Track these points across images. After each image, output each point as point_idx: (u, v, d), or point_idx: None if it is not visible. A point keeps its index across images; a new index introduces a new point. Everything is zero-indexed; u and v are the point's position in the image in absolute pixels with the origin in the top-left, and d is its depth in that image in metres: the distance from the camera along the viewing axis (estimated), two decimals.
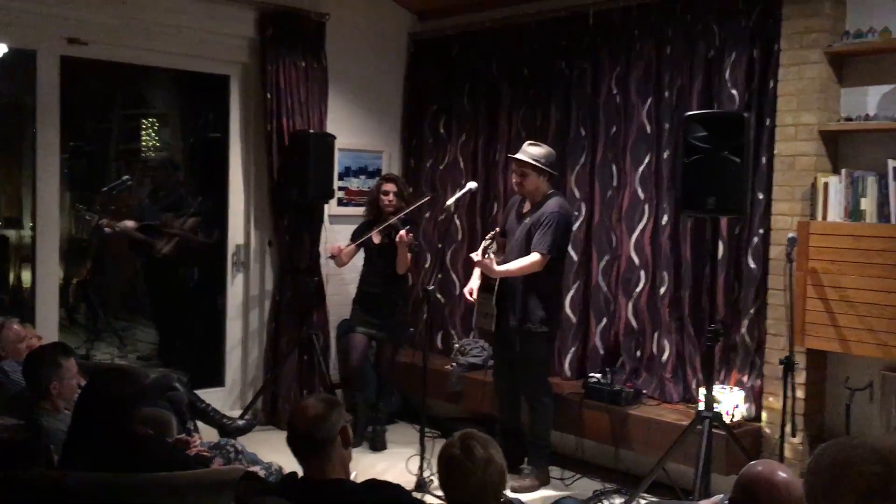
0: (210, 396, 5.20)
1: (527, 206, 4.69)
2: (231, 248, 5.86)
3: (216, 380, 5.91)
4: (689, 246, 4.92)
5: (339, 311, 6.04)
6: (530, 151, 4.64)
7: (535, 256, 4.51)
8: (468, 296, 4.80)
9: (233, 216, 5.84)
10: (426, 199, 5.58)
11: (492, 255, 4.43)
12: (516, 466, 4.72)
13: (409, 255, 5.24)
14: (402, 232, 5.06)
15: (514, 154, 4.74)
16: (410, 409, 5.91)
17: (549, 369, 5.00)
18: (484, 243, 4.50)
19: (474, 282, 4.80)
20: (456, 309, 6.19)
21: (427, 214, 6.35)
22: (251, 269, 5.88)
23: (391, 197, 5.36)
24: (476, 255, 4.44)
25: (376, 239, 5.39)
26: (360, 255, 5.58)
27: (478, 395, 5.38)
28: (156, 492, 2.97)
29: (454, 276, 6.20)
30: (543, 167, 4.64)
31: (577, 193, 5.43)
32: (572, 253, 5.42)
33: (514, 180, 4.65)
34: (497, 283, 4.58)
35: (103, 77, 6.56)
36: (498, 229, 4.86)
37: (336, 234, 6.09)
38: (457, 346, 5.83)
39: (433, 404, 5.67)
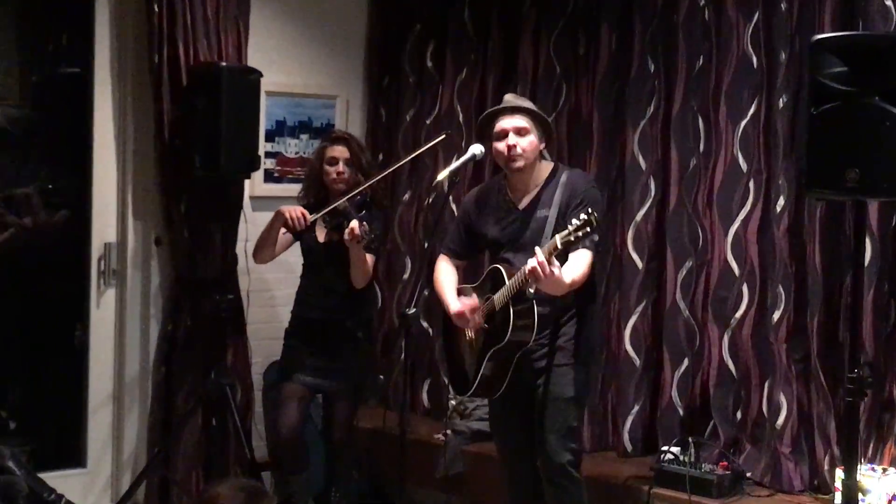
0: (63, 483, 5.17)
1: (517, 195, 4.68)
2: (96, 250, 5.84)
3: (73, 457, 5.87)
4: (819, 246, 4.93)
5: (267, 350, 6.03)
6: (525, 104, 4.70)
7: (587, 255, 4.49)
8: (462, 307, 4.70)
9: (99, 199, 5.82)
10: (441, 138, 5.47)
11: (556, 262, 4.34)
12: None
13: (367, 259, 5.23)
14: (354, 223, 5.04)
15: (498, 105, 4.72)
16: (380, 500, 5.89)
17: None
18: (548, 248, 4.34)
19: (458, 302, 4.75)
20: None
21: (406, 196, 6.35)
22: (128, 281, 5.86)
23: (341, 167, 5.35)
24: (542, 258, 4.27)
25: (320, 235, 5.38)
26: (294, 257, 5.56)
27: (485, 481, 5.38)
28: None
29: None
30: (547, 120, 4.72)
31: (641, 162, 5.44)
32: (635, 257, 5.43)
33: (506, 144, 4.61)
34: (536, 310, 4.53)
35: None
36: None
37: (262, 226, 6.07)
38: (453, 402, 5.82)
39: (417, 494, 5.66)
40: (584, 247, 4.43)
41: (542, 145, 4.68)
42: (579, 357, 4.65)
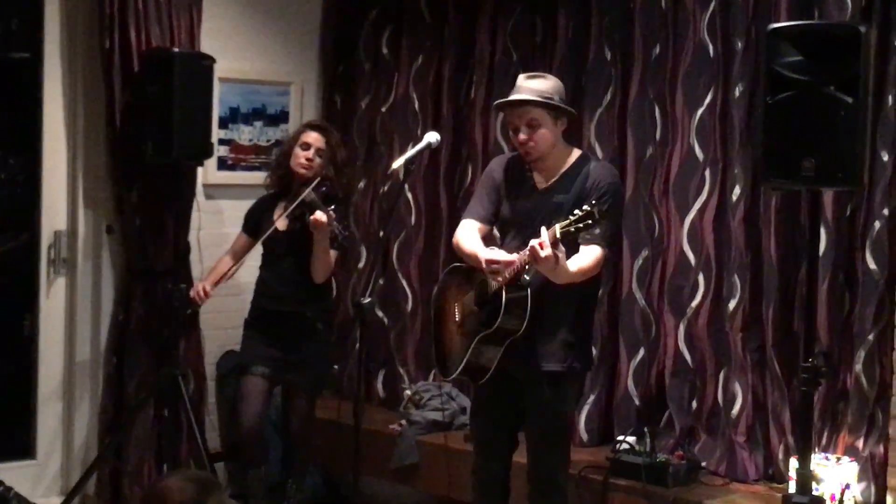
0: (12, 475, 5.14)
1: (539, 177, 4.56)
2: (46, 238, 5.80)
3: (22, 448, 5.84)
4: (774, 235, 4.96)
5: (220, 339, 6.02)
6: (536, 87, 4.48)
7: (597, 252, 4.37)
8: (501, 257, 4.39)
9: (48, 186, 5.78)
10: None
11: (562, 246, 4.23)
12: None
13: (330, 252, 5.21)
14: (319, 213, 5.02)
15: (507, 97, 4.55)
16: (335, 491, 5.90)
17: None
18: (564, 223, 4.13)
19: (497, 251, 4.55)
20: (408, 334, 6.19)
21: (361, 184, 6.34)
22: (79, 270, 5.82)
23: (311, 154, 5.33)
24: (546, 241, 4.13)
25: (281, 225, 5.36)
26: (255, 251, 5.55)
27: (440, 472, 5.38)
28: None
29: (405, 283, 6.20)
30: (563, 106, 4.51)
31: (598, 150, 5.44)
32: None
33: (518, 140, 4.51)
34: (530, 298, 4.42)
35: None
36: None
37: (216, 215, 6.05)
38: (408, 392, 5.83)
39: (372, 486, 5.65)
40: (594, 242, 4.33)
41: (561, 128, 4.50)
42: (577, 364, 4.51)
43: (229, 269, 5.49)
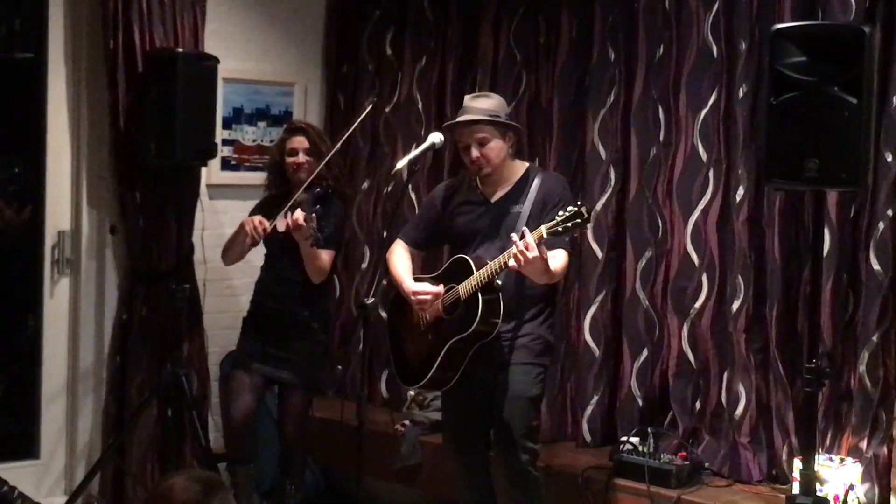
0: (16, 475, 5.12)
1: (489, 190, 4.72)
2: (50, 238, 5.81)
3: (26, 449, 5.85)
4: (778, 236, 4.96)
5: (224, 340, 6.02)
6: (482, 106, 4.67)
7: (564, 255, 4.59)
8: (420, 290, 4.72)
9: (52, 186, 5.79)
10: (367, 110, 5.46)
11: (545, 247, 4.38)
12: None
13: (318, 255, 5.20)
14: (296, 215, 5.03)
15: (454, 119, 4.74)
16: (336, 493, 5.90)
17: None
18: (551, 224, 4.29)
19: (414, 283, 4.77)
20: None
21: (365, 184, 6.34)
22: (82, 271, 5.83)
23: (300, 157, 5.35)
24: (529, 240, 4.25)
25: (280, 226, 5.37)
26: (258, 251, 5.55)
27: (443, 473, 5.36)
28: None
29: None
30: (510, 122, 4.75)
31: (601, 152, 5.46)
32: (595, 247, 5.45)
33: (471, 157, 4.65)
34: (500, 298, 4.55)
35: None
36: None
37: (219, 216, 6.06)
38: (411, 393, 5.83)
39: (374, 487, 5.66)
40: (559, 246, 4.51)
41: (510, 143, 4.71)
42: (541, 355, 4.69)
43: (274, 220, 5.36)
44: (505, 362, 4.64)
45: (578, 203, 4.26)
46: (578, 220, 4.22)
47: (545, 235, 4.27)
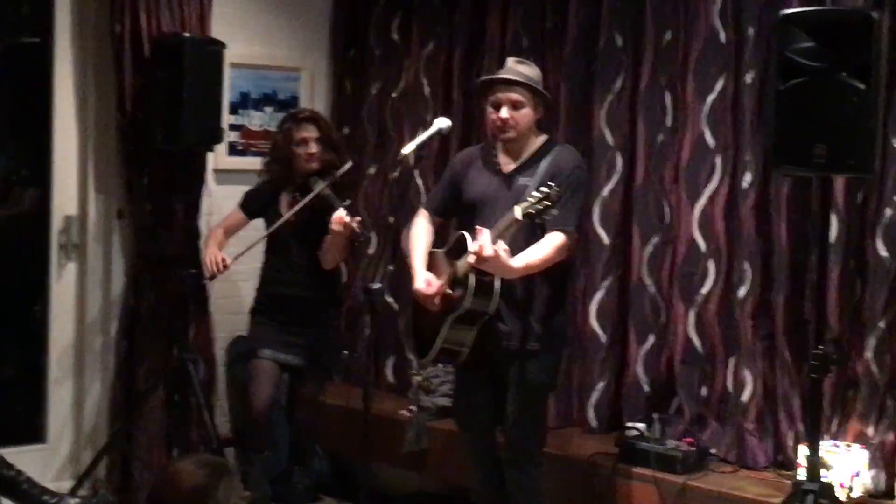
0: (23, 459, 5.14)
1: (505, 160, 4.69)
2: (57, 223, 5.81)
3: (33, 433, 5.87)
4: (786, 222, 4.96)
5: (230, 325, 6.03)
6: (524, 71, 4.65)
7: (559, 238, 4.48)
8: (426, 288, 4.70)
9: (59, 171, 5.80)
10: (347, 166, 5.47)
11: (503, 244, 4.35)
12: None
13: (346, 246, 5.22)
14: (342, 214, 5.03)
15: (495, 74, 4.73)
16: (343, 479, 5.91)
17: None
18: (501, 225, 4.40)
19: (425, 272, 4.74)
20: None
21: (371, 170, 6.34)
22: (89, 256, 5.84)
23: (312, 148, 5.33)
24: (486, 243, 4.31)
25: (286, 213, 5.37)
26: (256, 233, 5.56)
27: (451, 458, 5.39)
28: None
29: None
30: (545, 93, 4.71)
31: (608, 138, 5.45)
32: (601, 233, 5.45)
33: (499, 117, 4.61)
34: (496, 287, 4.53)
35: None
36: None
37: (226, 200, 6.06)
38: (418, 378, 5.83)
39: (381, 472, 5.68)
40: (556, 228, 4.45)
41: (538, 116, 4.68)
42: (551, 342, 4.65)
43: (244, 251, 5.44)
44: (516, 350, 4.59)
45: (550, 184, 4.23)
46: (548, 203, 4.21)
47: (520, 217, 4.25)
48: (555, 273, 4.58)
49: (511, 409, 4.64)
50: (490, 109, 4.64)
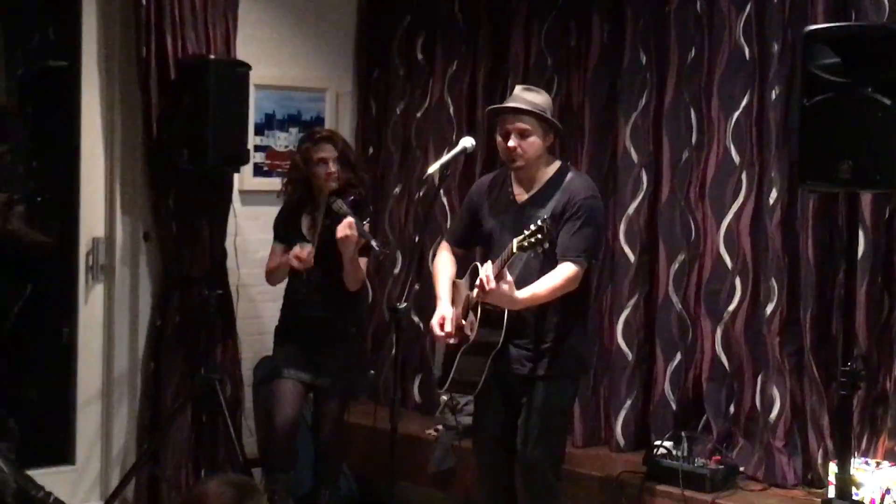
0: (51, 480, 5.17)
1: (518, 190, 4.69)
2: (84, 245, 5.84)
3: (61, 454, 5.88)
4: (812, 238, 4.95)
5: (257, 345, 6.04)
6: (531, 99, 4.62)
7: (569, 269, 4.48)
8: (437, 329, 4.72)
9: (87, 194, 5.82)
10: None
11: (509, 276, 4.37)
12: None
13: (360, 263, 5.23)
14: (347, 222, 5.03)
15: (503, 103, 4.72)
16: (371, 498, 5.91)
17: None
18: (504, 257, 4.42)
19: (447, 307, 4.76)
20: None
21: (397, 189, 6.36)
22: (117, 277, 5.86)
23: (331, 167, 5.34)
24: (487, 274, 4.34)
25: (309, 235, 5.39)
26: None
27: (476, 477, 5.37)
28: None
29: None
30: (553, 121, 4.66)
31: (633, 155, 5.45)
32: (627, 251, 5.44)
33: (506, 146, 4.62)
34: (505, 318, 4.55)
35: None
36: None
37: (252, 221, 6.08)
38: (445, 398, 5.83)
39: (407, 492, 5.67)
40: (568, 258, 4.47)
41: (548, 142, 4.63)
42: (564, 368, 4.61)
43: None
44: (529, 376, 4.59)
45: (545, 217, 4.27)
46: (540, 236, 4.23)
47: (515, 250, 4.28)
48: (566, 300, 4.54)
49: (524, 434, 4.62)
50: (499, 139, 4.62)
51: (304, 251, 5.23)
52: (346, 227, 5.04)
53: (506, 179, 4.74)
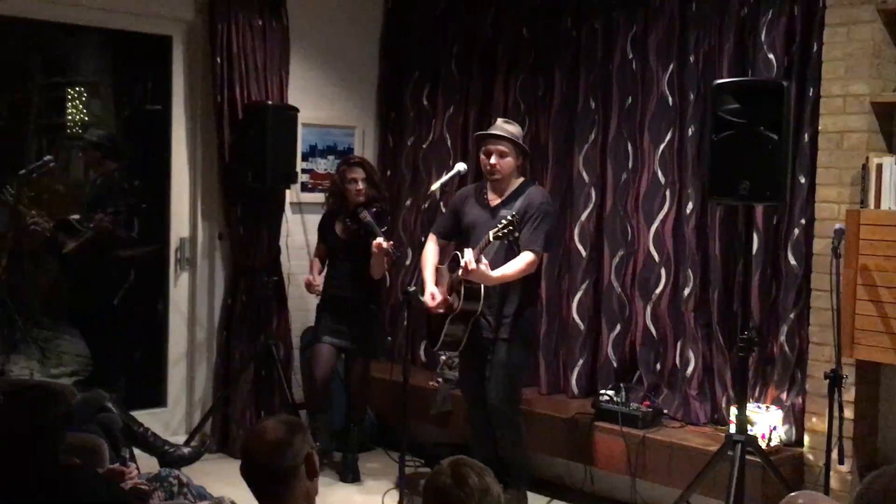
0: (149, 419, 5.18)
1: (492, 196, 4.75)
2: (174, 243, 5.85)
3: (156, 399, 5.90)
4: (718, 239, 4.95)
5: (303, 318, 6.04)
6: (508, 129, 4.75)
7: (529, 256, 4.58)
8: (430, 301, 4.75)
9: (176, 204, 5.83)
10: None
11: (485, 260, 4.44)
12: None
13: (386, 262, 5.28)
14: (380, 241, 5.09)
15: (485, 134, 4.81)
16: (388, 434, 5.91)
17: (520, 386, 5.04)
18: (481, 245, 4.49)
19: (433, 287, 4.79)
20: None
21: (408, 202, 6.36)
22: (198, 267, 5.87)
23: (360, 185, 5.37)
24: (469, 258, 4.40)
25: (341, 234, 5.41)
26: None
27: None
28: None
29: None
30: (524, 147, 4.79)
31: (585, 176, 5.44)
32: (580, 248, 5.44)
33: (489, 163, 4.69)
34: (482, 293, 4.61)
35: (20, 38, 6.51)
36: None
37: (300, 225, 6.09)
38: (443, 358, 5.83)
39: (415, 428, 5.67)
40: (527, 248, 4.55)
41: (518, 163, 4.75)
42: (517, 334, 4.69)
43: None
44: (492, 339, 4.68)
45: (513, 214, 4.43)
46: (511, 227, 4.38)
47: (491, 239, 4.41)
48: (524, 282, 4.64)
49: (490, 382, 4.69)
50: (482, 157, 4.73)
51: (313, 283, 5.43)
52: (377, 247, 5.11)
53: (483, 188, 4.82)
